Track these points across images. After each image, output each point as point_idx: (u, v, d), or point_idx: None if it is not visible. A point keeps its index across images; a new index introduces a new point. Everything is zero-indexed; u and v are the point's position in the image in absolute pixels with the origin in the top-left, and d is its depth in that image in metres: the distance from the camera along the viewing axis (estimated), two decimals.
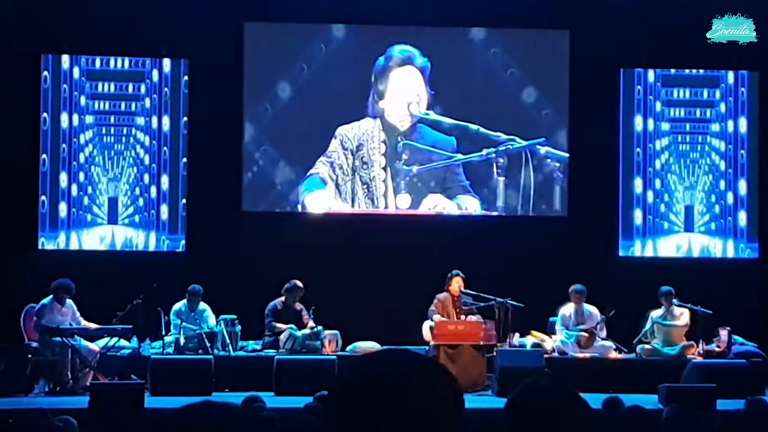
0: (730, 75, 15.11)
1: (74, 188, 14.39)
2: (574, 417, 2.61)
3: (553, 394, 2.65)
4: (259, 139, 14.83)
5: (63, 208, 14.31)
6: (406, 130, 14.97)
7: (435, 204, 14.89)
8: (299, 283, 13.31)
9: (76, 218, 14.42)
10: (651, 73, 15.17)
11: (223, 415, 2.27)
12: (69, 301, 12.49)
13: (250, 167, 14.82)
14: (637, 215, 15.11)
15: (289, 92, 14.83)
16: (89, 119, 14.46)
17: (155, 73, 14.62)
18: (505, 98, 15.03)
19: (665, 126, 15.17)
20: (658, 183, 15.15)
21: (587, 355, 13.16)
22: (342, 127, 14.81)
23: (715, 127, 15.17)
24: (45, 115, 14.20)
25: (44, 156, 14.26)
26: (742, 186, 15.11)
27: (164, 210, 14.58)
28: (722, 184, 15.14)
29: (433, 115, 14.92)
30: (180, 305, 13.10)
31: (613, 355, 13.27)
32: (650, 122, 15.14)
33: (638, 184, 15.11)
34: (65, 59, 14.30)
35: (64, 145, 14.29)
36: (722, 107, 15.14)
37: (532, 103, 15.02)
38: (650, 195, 15.13)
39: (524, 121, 14.97)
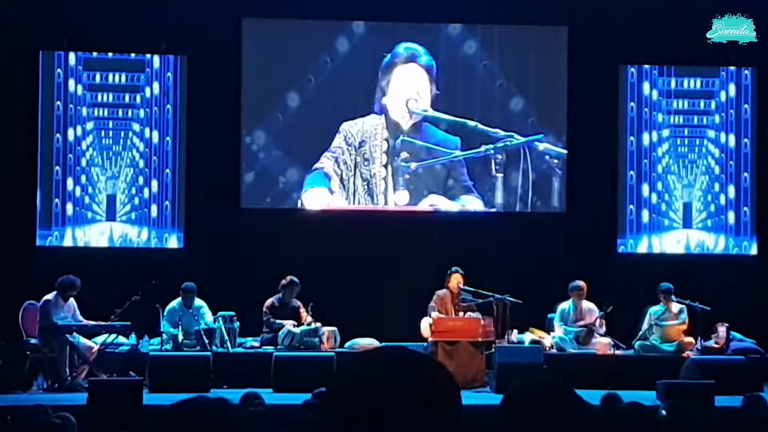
0: (725, 93, 15.12)
1: (77, 190, 14.56)
2: (571, 414, 2.61)
3: (549, 390, 2.65)
4: (258, 136, 14.83)
5: (67, 207, 14.47)
6: (410, 128, 14.96)
7: (435, 204, 14.87)
8: (295, 279, 13.30)
9: (79, 216, 14.50)
10: (648, 70, 15.18)
11: (217, 409, 2.27)
12: (71, 299, 12.49)
13: (249, 164, 14.83)
14: (636, 212, 15.11)
15: (289, 88, 14.82)
16: (90, 125, 14.65)
17: (154, 68, 14.68)
18: (505, 94, 15.03)
19: (665, 130, 15.19)
20: (656, 180, 15.16)
21: (586, 351, 13.15)
22: (346, 123, 14.81)
23: (711, 133, 15.23)
24: (58, 135, 14.53)
25: (57, 167, 14.53)
26: (731, 191, 15.15)
27: (162, 207, 14.63)
28: (716, 186, 15.18)
29: (431, 112, 14.92)
30: (174, 303, 13.09)
31: (612, 351, 13.27)
32: (648, 119, 15.15)
33: (636, 180, 15.11)
34: (71, 84, 14.52)
35: (70, 155, 14.56)
36: (717, 118, 15.19)
37: (531, 99, 15.02)
38: (648, 190, 15.13)
39: (523, 117, 14.97)
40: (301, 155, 14.83)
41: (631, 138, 15.13)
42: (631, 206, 15.11)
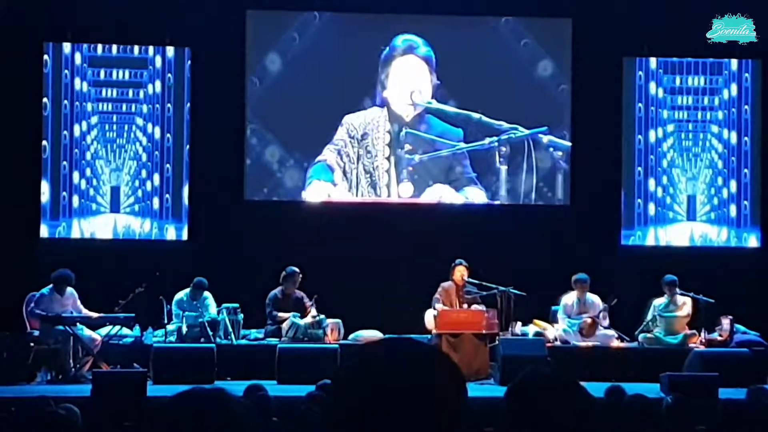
0: (727, 91, 15.12)
1: (83, 183, 14.62)
2: (574, 405, 2.61)
3: (553, 382, 2.65)
4: (261, 129, 14.83)
5: (74, 199, 14.55)
6: (413, 120, 14.95)
7: (439, 195, 14.88)
8: (296, 269, 13.29)
9: (84, 207, 14.56)
10: (653, 60, 15.17)
11: (214, 399, 2.27)
12: (70, 290, 12.53)
13: (252, 156, 14.83)
14: (644, 205, 15.11)
15: (291, 81, 14.82)
16: (94, 120, 14.71)
17: (157, 61, 14.71)
18: (509, 87, 15.00)
19: (670, 125, 15.19)
20: (660, 172, 15.16)
21: (589, 343, 13.16)
22: (348, 116, 14.80)
23: (715, 128, 15.25)
24: (65, 132, 14.57)
25: (65, 162, 14.54)
26: (733, 185, 15.17)
27: (163, 200, 14.65)
28: (719, 180, 15.19)
29: (435, 104, 14.91)
30: (182, 294, 13.11)
31: (616, 343, 13.27)
32: (654, 117, 15.16)
33: (644, 175, 15.11)
34: (77, 82, 14.57)
35: (76, 150, 14.61)
36: (720, 114, 15.20)
37: (535, 93, 14.99)
38: (654, 185, 15.12)
39: (527, 110, 14.94)
40: (300, 147, 14.83)
41: (639, 137, 15.12)
42: (639, 200, 15.11)
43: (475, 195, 14.95)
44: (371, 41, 14.94)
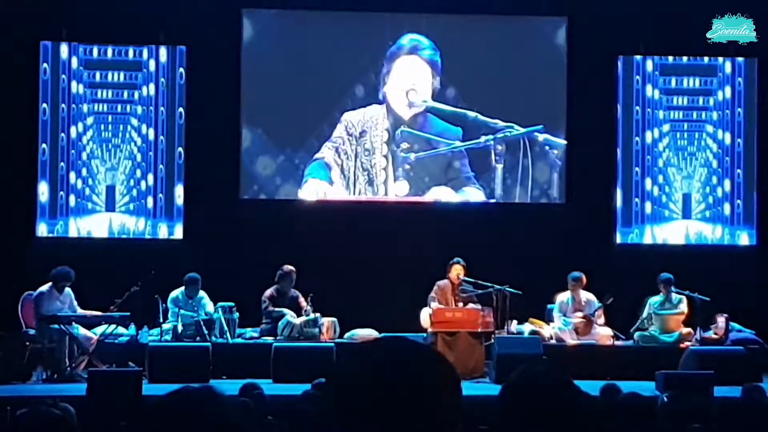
0: (722, 93, 15.14)
1: (79, 182, 14.64)
2: (569, 404, 2.62)
3: (548, 381, 2.65)
4: (256, 127, 14.82)
5: (63, 197, 14.53)
6: (411, 119, 14.94)
7: (438, 197, 14.86)
8: (291, 268, 13.29)
9: (80, 207, 14.56)
10: (649, 62, 15.17)
11: (203, 397, 2.26)
12: (67, 289, 12.50)
13: (248, 155, 14.81)
14: (641, 204, 15.12)
15: (287, 78, 14.80)
16: (90, 120, 14.73)
17: (152, 63, 14.73)
18: (506, 85, 14.98)
19: (665, 125, 15.21)
20: (658, 173, 15.18)
21: (585, 342, 13.15)
22: (348, 113, 14.80)
23: (709, 128, 15.28)
24: (62, 134, 14.59)
25: (62, 164, 14.57)
26: (727, 184, 15.21)
27: (159, 198, 14.66)
28: (714, 179, 15.22)
29: (431, 103, 14.90)
30: (177, 293, 13.09)
31: (611, 342, 13.27)
32: (651, 118, 15.18)
33: (638, 172, 15.13)
34: (74, 85, 14.59)
35: (73, 151, 14.61)
36: (714, 115, 15.23)
37: (531, 90, 14.98)
38: (650, 184, 15.14)
39: (524, 108, 14.93)
40: (297, 145, 14.83)
41: (636, 138, 15.14)
42: (636, 198, 15.12)
43: (474, 195, 14.95)
44: (369, 37, 14.92)
